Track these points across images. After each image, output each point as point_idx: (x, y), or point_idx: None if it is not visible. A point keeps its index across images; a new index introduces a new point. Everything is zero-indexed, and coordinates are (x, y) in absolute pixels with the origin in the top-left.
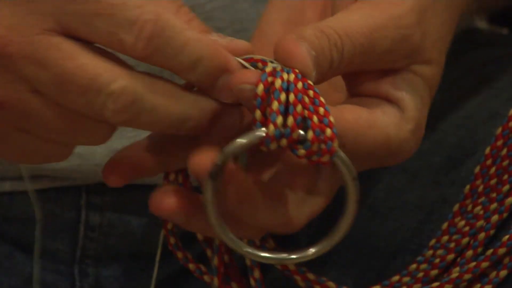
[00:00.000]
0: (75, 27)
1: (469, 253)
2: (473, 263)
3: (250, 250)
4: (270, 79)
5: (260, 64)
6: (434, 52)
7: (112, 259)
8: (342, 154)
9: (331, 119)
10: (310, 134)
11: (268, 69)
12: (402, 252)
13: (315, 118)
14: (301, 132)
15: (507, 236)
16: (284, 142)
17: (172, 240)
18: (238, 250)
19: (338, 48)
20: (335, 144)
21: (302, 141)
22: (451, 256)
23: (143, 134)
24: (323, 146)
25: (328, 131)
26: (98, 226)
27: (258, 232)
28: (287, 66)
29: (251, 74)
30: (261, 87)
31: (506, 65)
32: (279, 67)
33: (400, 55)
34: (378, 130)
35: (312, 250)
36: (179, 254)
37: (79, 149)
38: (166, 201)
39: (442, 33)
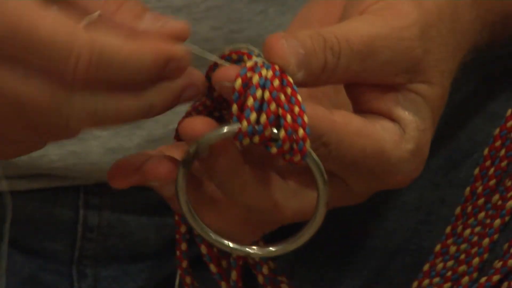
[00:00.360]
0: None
1: (476, 260)
2: (484, 278)
3: (216, 237)
4: (249, 74)
5: (246, 57)
6: (436, 72)
7: (111, 260)
8: (314, 156)
9: (305, 118)
10: (282, 133)
11: (249, 63)
12: (401, 252)
13: (288, 117)
14: (274, 130)
15: None
16: (256, 139)
17: (188, 280)
18: (205, 236)
19: (334, 52)
20: (307, 145)
21: (275, 139)
22: (463, 268)
23: (138, 132)
24: (294, 145)
25: (300, 131)
26: (96, 227)
27: (243, 219)
28: (270, 61)
29: (231, 70)
30: (239, 82)
31: (506, 65)
32: (260, 62)
33: (401, 68)
34: (369, 141)
35: (272, 249)
36: None
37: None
38: (161, 167)
39: (445, 55)
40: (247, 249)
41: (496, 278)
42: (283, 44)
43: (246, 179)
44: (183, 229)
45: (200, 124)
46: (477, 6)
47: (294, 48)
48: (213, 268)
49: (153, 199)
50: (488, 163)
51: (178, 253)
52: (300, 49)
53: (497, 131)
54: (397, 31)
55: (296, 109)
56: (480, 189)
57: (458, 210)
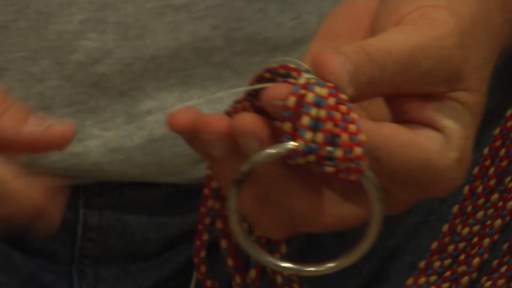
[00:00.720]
0: None
1: (476, 260)
2: (489, 282)
3: (271, 259)
4: (302, 92)
5: (294, 73)
6: (475, 80)
7: (111, 260)
8: (370, 173)
9: (362, 137)
10: (339, 152)
11: (302, 81)
12: (400, 252)
13: (345, 136)
14: (330, 149)
15: None
16: (312, 158)
17: (208, 284)
18: (259, 258)
19: (378, 65)
20: (364, 163)
21: (330, 157)
22: (462, 268)
23: (139, 132)
24: (351, 164)
25: (357, 150)
26: (96, 227)
27: (280, 217)
28: (322, 78)
29: (282, 88)
30: (292, 100)
31: (503, 65)
32: (313, 79)
33: (442, 78)
34: (416, 151)
35: (329, 265)
36: None
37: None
38: (219, 121)
39: (482, 62)
40: (302, 268)
41: (501, 282)
42: (335, 61)
43: (291, 186)
44: (207, 220)
45: (260, 128)
46: (506, 10)
47: (344, 64)
48: (230, 262)
49: (153, 199)
50: (488, 162)
51: (198, 242)
52: (348, 65)
53: (497, 130)
54: (436, 41)
55: (352, 127)
56: (480, 188)
57: (456, 208)
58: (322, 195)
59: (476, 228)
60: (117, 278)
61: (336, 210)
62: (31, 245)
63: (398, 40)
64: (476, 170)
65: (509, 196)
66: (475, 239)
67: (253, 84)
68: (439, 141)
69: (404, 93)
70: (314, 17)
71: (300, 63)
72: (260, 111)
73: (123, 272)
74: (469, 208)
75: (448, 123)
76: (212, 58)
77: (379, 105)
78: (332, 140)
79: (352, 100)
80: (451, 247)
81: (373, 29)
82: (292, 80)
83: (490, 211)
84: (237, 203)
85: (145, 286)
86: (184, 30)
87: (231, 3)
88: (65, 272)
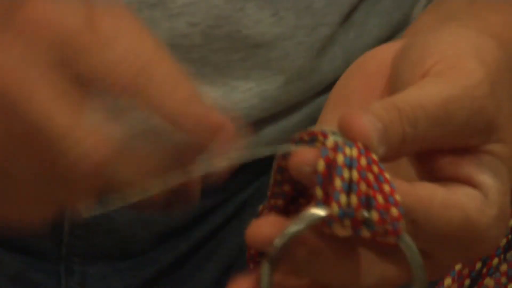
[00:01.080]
0: None
1: (495, 260)
2: (491, 281)
3: None
4: (331, 154)
5: (320, 137)
6: (507, 129)
7: (99, 257)
8: (407, 238)
9: (397, 197)
10: (375, 214)
11: (330, 143)
12: None
13: (379, 197)
14: (365, 212)
15: None
16: (347, 222)
17: None
18: None
19: (411, 121)
20: (401, 225)
21: (366, 221)
22: (478, 265)
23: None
24: (388, 227)
25: (394, 211)
26: (83, 224)
27: None
28: (350, 139)
29: (309, 153)
30: (322, 164)
31: None
32: (340, 141)
33: (476, 129)
34: (455, 212)
35: None
36: None
37: None
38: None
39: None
40: None
41: (504, 279)
42: (363, 121)
43: (328, 258)
44: None
45: (269, 228)
46: None
47: (373, 123)
48: None
49: None
50: None
51: None
52: (378, 124)
53: None
54: (468, 91)
55: (386, 187)
56: None
57: None
58: (359, 256)
59: None
60: (105, 276)
61: (372, 272)
62: (18, 243)
63: (429, 93)
64: None
65: None
66: None
67: (280, 163)
68: (477, 199)
69: (437, 148)
70: (291, 12)
71: (325, 129)
72: (289, 199)
73: (111, 269)
74: None
75: (486, 179)
76: (191, 54)
77: (406, 164)
78: (367, 202)
79: (385, 159)
80: None
81: (395, 86)
82: (318, 144)
83: None
84: (271, 279)
85: (133, 284)
86: (161, 27)
87: (209, 1)
88: (53, 270)
